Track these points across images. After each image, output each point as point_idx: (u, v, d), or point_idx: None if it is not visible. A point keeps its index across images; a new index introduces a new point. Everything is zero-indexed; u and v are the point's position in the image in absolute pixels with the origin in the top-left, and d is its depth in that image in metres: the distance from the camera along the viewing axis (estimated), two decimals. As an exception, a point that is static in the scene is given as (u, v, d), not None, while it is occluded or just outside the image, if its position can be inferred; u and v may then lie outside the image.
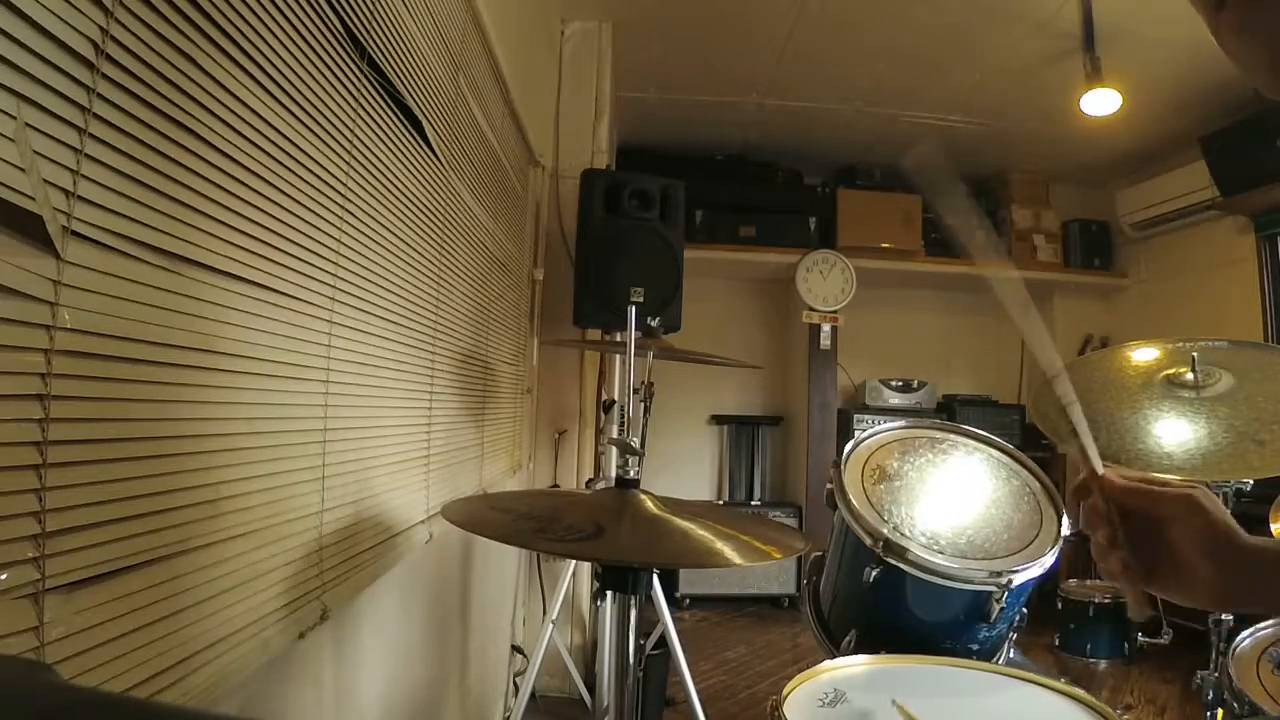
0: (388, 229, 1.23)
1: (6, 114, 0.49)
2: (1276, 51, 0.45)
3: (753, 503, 4.72)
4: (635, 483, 1.06)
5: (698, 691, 2.25)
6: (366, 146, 1.12)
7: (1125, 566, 0.66)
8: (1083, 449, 0.71)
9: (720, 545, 0.91)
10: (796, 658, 3.56)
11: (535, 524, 0.93)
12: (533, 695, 2.67)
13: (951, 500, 1.45)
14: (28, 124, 0.50)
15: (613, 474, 2.43)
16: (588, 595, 3.02)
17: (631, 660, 1.07)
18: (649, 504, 1.00)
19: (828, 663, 1.16)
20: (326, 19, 0.96)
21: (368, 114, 1.12)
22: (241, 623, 0.80)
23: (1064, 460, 4.45)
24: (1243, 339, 1.44)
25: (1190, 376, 1.33)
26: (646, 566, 1.00)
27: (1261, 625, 1.58)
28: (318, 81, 0.94)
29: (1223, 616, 1.51)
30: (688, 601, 4.32)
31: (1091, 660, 3.39)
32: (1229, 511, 0.65)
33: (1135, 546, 0.66)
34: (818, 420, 4.46)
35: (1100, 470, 0.69)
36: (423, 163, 1.40)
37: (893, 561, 1.30)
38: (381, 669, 1.34)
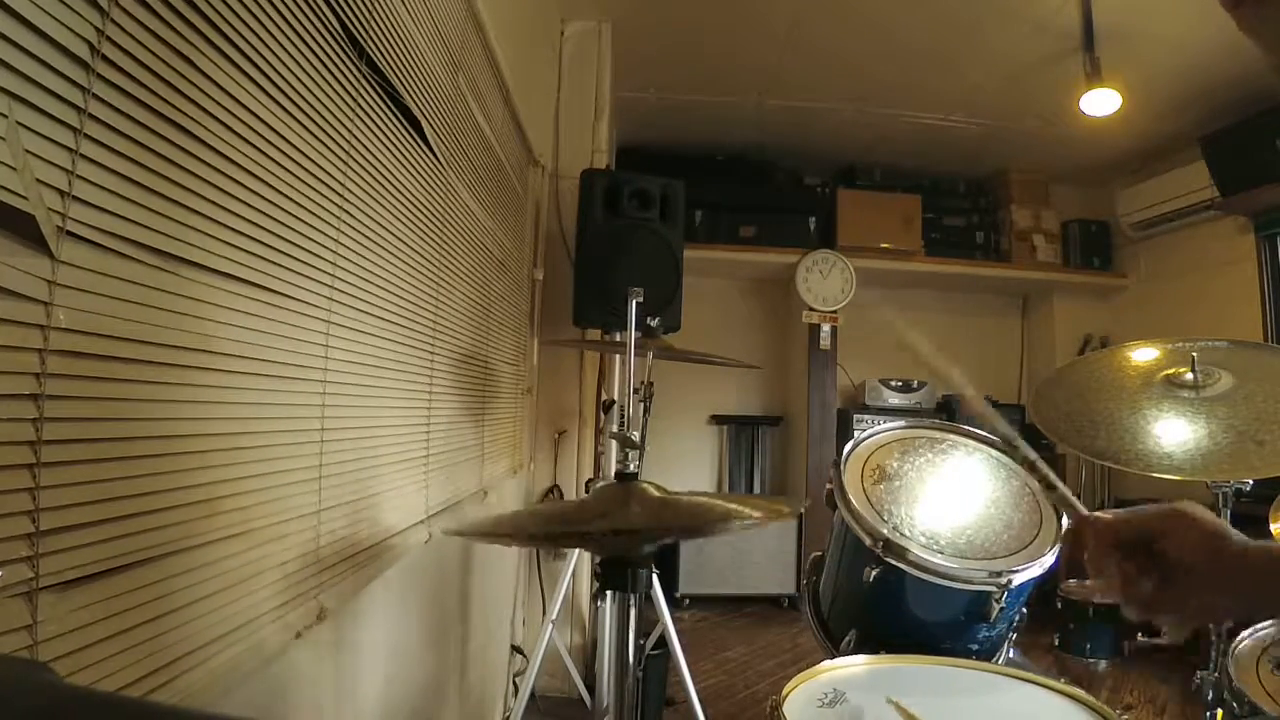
0: (386, 229, 1.23)
1: None
2: None
3: (753, 503, 4.71)
4: (634, 476, 1.05)
5: (697, 691, 2.25)
6: (364, 146, 1.11)
7: (1147, 594, 0.66)
8: (1065, 499, 0.74)
9: (733, 507, 0.91)
10: (796, 658, 3.55)
11: (542, 523, 0.93)
12: (532, 695, 2.67)
13: (951, 500, 1.44)
14: (19, 123, 0.50)
15: (613, 471, 2.42)
16: (587, 595, 3.02)
17: (631, 660, 1.07)
18: (652, 490, 0.99)
19: (827, 663, 1.16)
20: (324, 18, 0.96)
21: (366, 114, 1.12)
22: (237, 622, 0.80)
23: (1064, 460, 4.45)
24: (1243, 339, 1.44)
25: (1190, 376, 1.33)
26: (663, 533, 0.98)
27: (1261, 625, 1.58)
28: (315, 81, 0.94)
29: (1223, 617, 1.50)
30: (687, 602, 4.32)
31: (1091, 660, 3.39)
32: (1222, 517, 0.66)
33: (1137, 576, 0.67)
34: (817, 420, 4.45)
35: (1086, 513, 0.71)
36: (421, 163, 1.40)
37: (892, 561, 1.30)
38: (381, 668, 1.34)
